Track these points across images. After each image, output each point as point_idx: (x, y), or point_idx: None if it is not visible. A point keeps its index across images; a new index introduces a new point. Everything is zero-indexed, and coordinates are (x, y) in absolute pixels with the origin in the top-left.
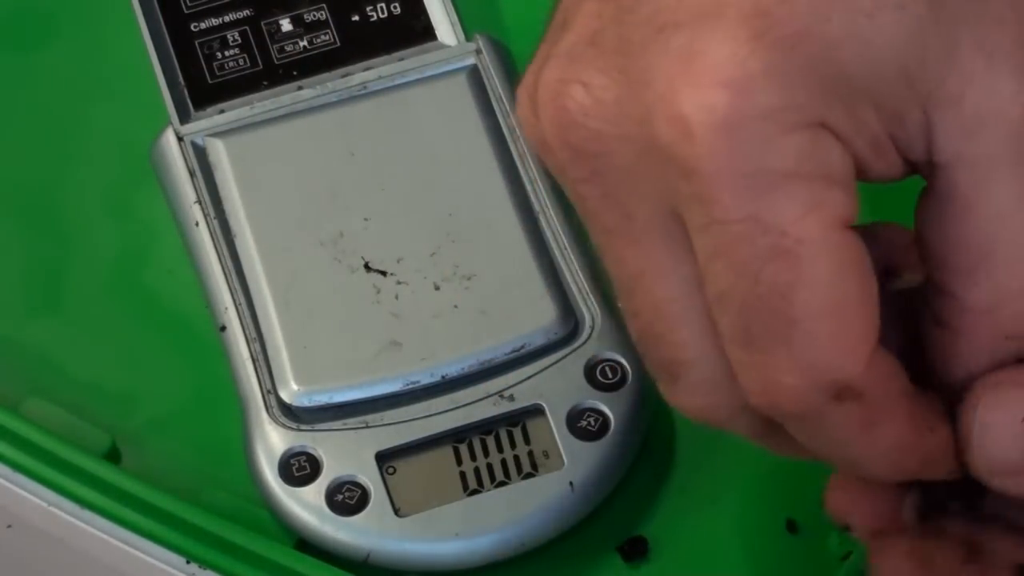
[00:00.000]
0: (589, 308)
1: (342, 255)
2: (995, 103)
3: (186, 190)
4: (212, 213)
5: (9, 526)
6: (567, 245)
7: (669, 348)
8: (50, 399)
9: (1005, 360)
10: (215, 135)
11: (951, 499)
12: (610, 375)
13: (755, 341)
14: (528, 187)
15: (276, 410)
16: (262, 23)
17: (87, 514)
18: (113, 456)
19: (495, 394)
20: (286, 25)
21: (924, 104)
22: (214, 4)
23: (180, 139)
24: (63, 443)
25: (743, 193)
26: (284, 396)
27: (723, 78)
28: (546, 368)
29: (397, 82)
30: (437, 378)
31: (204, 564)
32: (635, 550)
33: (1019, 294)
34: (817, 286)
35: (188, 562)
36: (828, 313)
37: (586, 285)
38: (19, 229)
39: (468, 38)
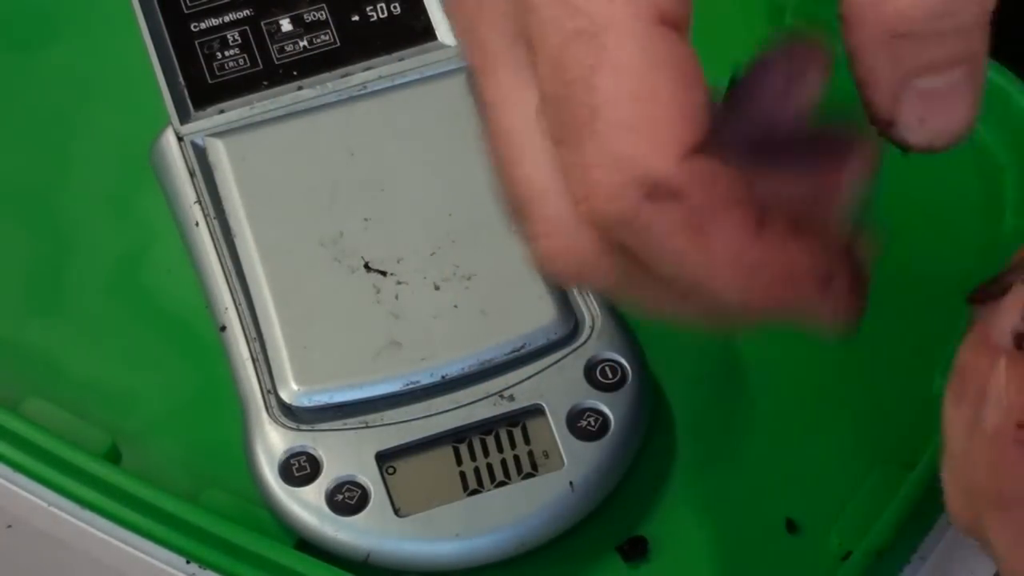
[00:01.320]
0: (589, 308)
1: (342, 255)
2: None
3: (186, 190)
4: (212, 213)
5: (9, 526)
6: None
7: (518, 184)
8: (50, 399)
9: (903, 63)
10: (215, 135)
11: None
12: (610, 375)
13: (567, 135)
14: None
15: (276, 410)
16: (262, 23)
17: (87, 514)
18: (113, 456)
19: (495, 394)
20: (286, 25)
21: None
22: (214, 4)
23: (180, 139)
24: (63, 443)
25: None
26: (284, 396)
27: None
28: (546, 368)
29: (397, 82)
30: (437, 378)
31: (204, 564)
32: (635, 550)
33: None
34: (620, 72)
35: (188, 562)
36: (631, 100)
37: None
38: (19, 229)
39: None
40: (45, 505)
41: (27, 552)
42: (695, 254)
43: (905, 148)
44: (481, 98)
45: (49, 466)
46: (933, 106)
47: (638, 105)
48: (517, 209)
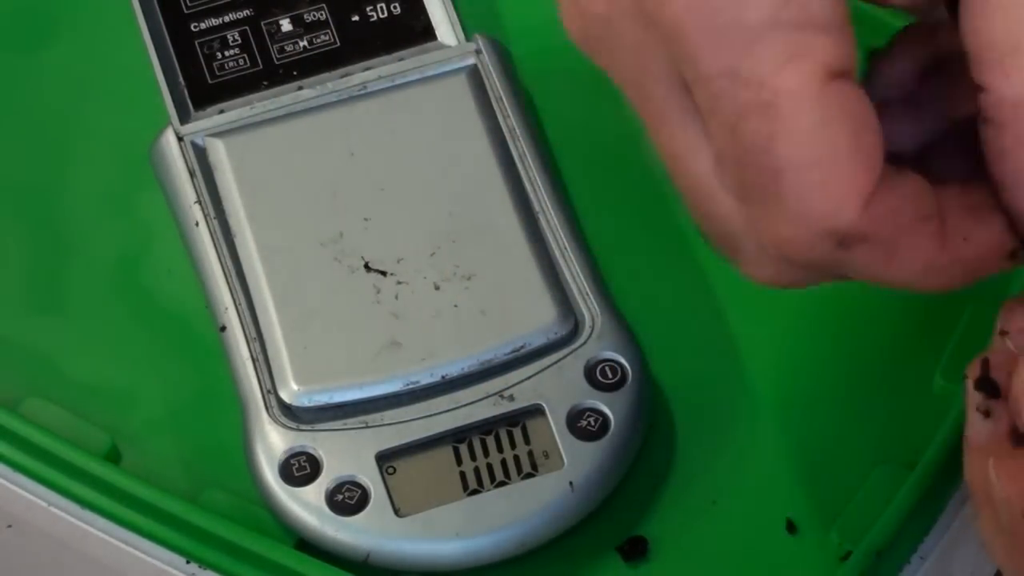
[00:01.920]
0: (589, 308)
1: (342, 255)
2: None
3: (186, 190)
4: (212, 213)
5: (9, 526)
6: (567, 245)
7: (718, 223)
8: (50, 399)
9: None
10: (215, 135)
11: None
12: (610, 375)
13: (750, 195)
14: (528, 187)
15: (276, 410)
16: (262, 23)
17: (87, 514)
18: (113, 456)
19: (495, 394)
20: (286, 25)
21: None
22: (214, 4)
23: (180, 139)
24: (63, 443)
25: (720, 47)
26: (284, 396)
27: None
28: (546, 368)
29: (397, 82)
30: (437, 378)
31: (204, 564)
32: (635, 550)
33: None
34: (798, 138)
35: (188, 562)
36: (812, 165)
37: (586, 285)
38: (19, 229)
39: (468, 38)
40: (45, 505)
41: (27, 552)
42: (891, 274)
43: None
44: (658, 148)
45: (49, 466)
46: None
47: (820, 169)
48: (718, 241)
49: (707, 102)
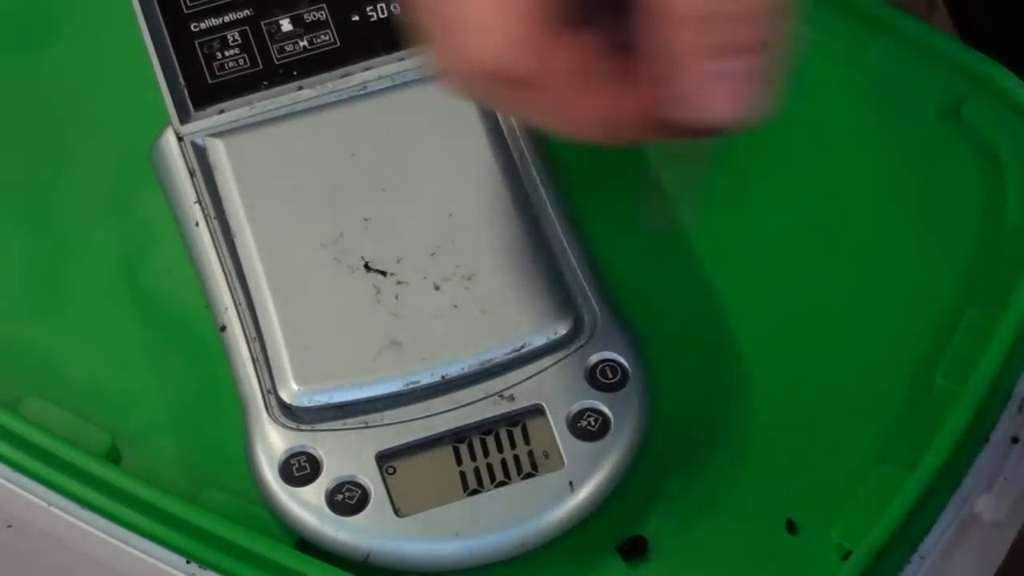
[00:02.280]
0: (589, 308)
1: (342, 255)
2: None
3: (186, 190)
4: (212, 213)
5: (9, 526)
6: (567, 245)
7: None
8: (50, 399)
9: (705, 48)
10: (215, 135)
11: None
12: (610, 375)
13: (428, 30)
14: (528, 187)
15: (276, 410)
16: (262, 23)
17: (87, 514)
18: (113, 456)
19: (495, 394)
20: (286, 25)
21: None
22: (214, 4)
23: (180, 139)
24: (63, 443)
25: None
26: (284, 396)
27: None
28: (546, 368)
29: (397, 82)
30: (437, 378)
31: (204, 564)
32: (635, 550)
33: None
34: None
35: (188, 562)
36: (487, 6)
37: (586, 285)
38: (19, 229)
39: None
40: (45, 505)
41: (27, 552)
42: (551, 115)
43: (707, 130)
44: None
45: (49, 466)
46: (731, 88)
47: (492, 6)
48: (429, 35)
49: None
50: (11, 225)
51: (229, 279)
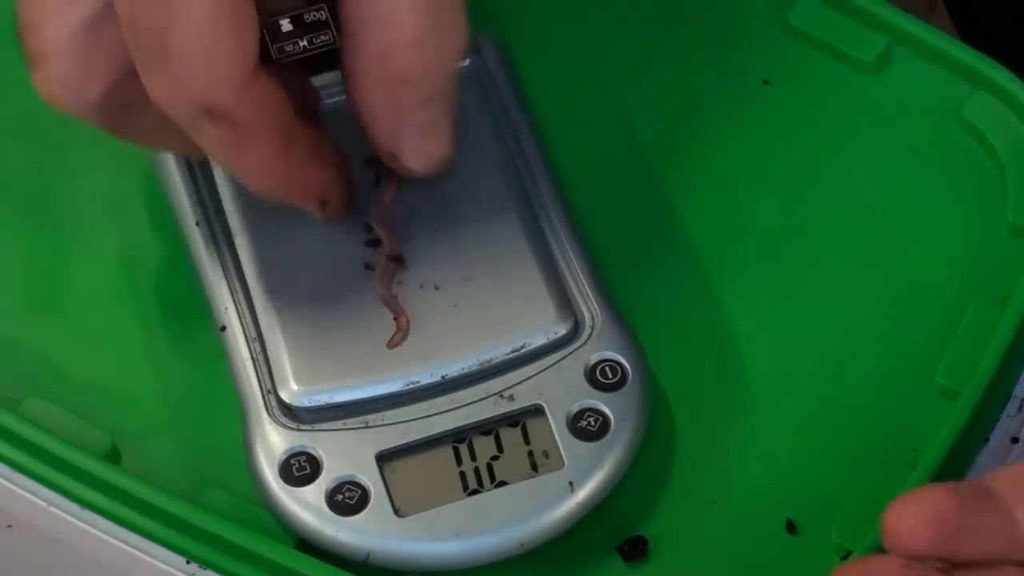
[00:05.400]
0: (589, 308)
1: (342, 255)
2: None
3: (186, 190)
4: (212, 213)
5: (9, 526)
6: (567, 245)
7: (35, 39)
8: (50, 399)
9: (402, 104)
10: None
11: None
12: (610, 375)
13: (142, 63)
14: (528, 187)
15: (276, 410)
16: (262, 23)
17: (87, 514)
18: (113, 456)
19: (495, 394)
20: (286, 25)
21: None
22: None
23: None
24: (63, 443)
25: None
26: (284, 396)
27: None
28: (546, 368)
29: None
30: (437, 378)
31: (204, 564)
32: (635, 550)
33: (399, 46)
34: (188, 28)
35: (188, 562)
36: (196, 50)
37: (586, 285)
38: (19, 229)
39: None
40: (45, 505)
41: (27, 552)
42: (234, 160)
43: (411, 175)
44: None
45: (49, 466)
46: (425, 138)
47: (201, 54)
48: (32, 56)
49: None
50: (11, 225)
51: (229, 279)
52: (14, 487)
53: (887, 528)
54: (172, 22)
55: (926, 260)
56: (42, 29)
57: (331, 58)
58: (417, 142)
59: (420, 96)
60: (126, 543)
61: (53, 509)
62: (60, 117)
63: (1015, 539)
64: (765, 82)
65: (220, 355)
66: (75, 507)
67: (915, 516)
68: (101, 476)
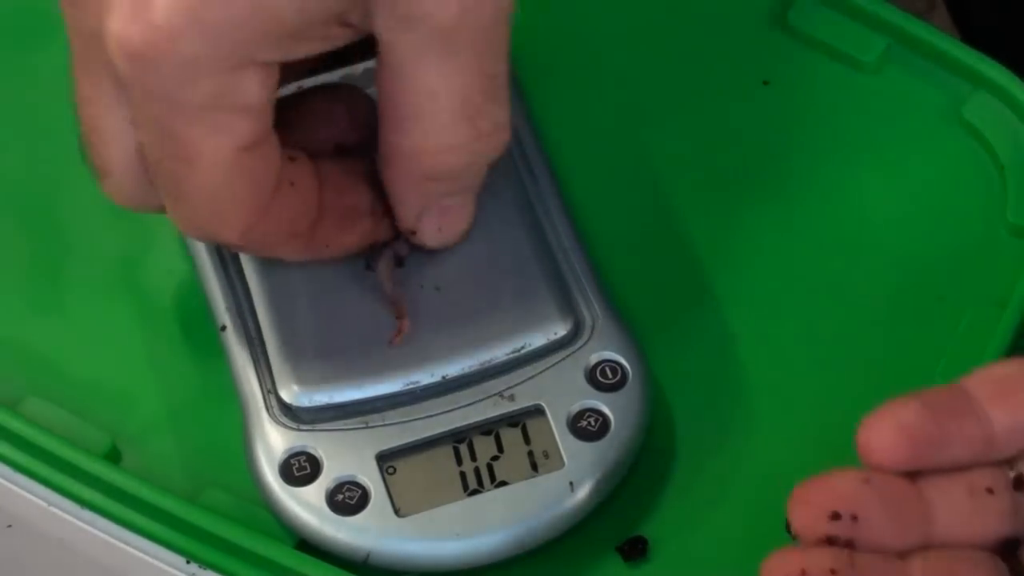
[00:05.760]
0: (589, 308)
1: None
2: (421, 7)
3: None
4: None
5: (9, 526)
6: (567, 245)
7: (98, 158)
8: (50, 399)
9: (430, 194)
10: None
11: None
12: (610, 375)
13: (165, 196)
14: (528, 187)
15: (276, 410)
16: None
17: (87, 514)
18: (113, 456)
19: (495, 394)
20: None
21: (365, 9)
22: None
23: None
24: (63, 443)
25: (160, 110)
26: (284, 396)
27: (150, 20)
28: (546, 368)
29: None
30: (437, 378)
31: (204, 564)
32: (635, 550)
33: (435, 150)
34: (203, 184)
35: (188, 562)
36: (209, 200)
37: (586, 285)
38: (19, 229)
39: None
40: (45, 505)
41: (27, 552)
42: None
43: (423, 248)
44: (80, 102)
45: (49, 466)
46: (447, 219)
47: (213, 206)
48: (96, 168)
49: (143, 128)
50: (11, 225)
51: (229, 279)
52: (14, 487)
53: (860, 444)
54: (189, 177)
55: (926, 260)
56: (103, 150)
57: (331, 58)
58: (438, 224)
59: (450, 190)
60: (126, 543)
61: (53, 509)
62: (60, 118)
63: (990, 442)
64: (765, 82)
65: (220, 355)
66: (75, 507)
67: (888, 431)
68: (101, 476)
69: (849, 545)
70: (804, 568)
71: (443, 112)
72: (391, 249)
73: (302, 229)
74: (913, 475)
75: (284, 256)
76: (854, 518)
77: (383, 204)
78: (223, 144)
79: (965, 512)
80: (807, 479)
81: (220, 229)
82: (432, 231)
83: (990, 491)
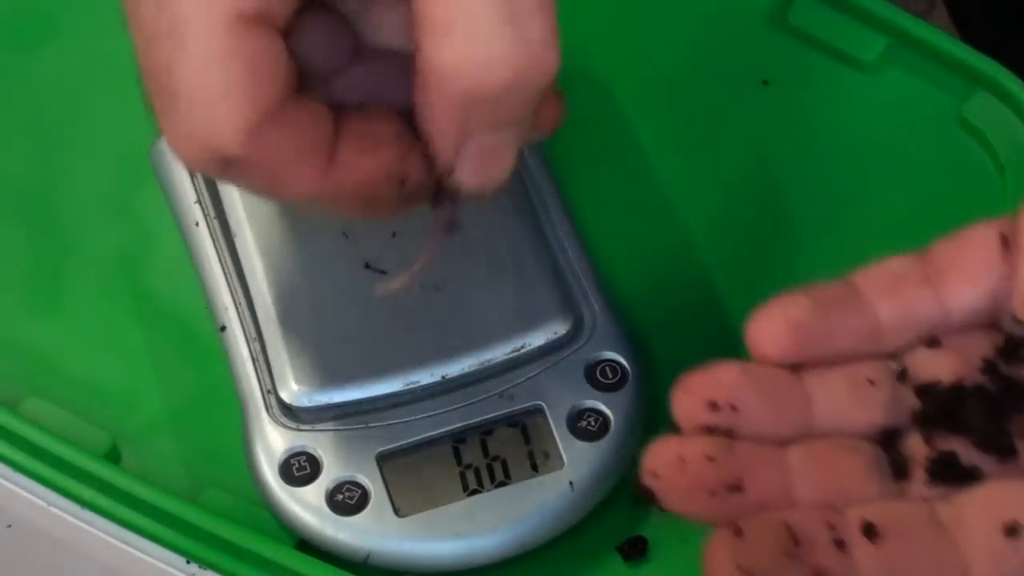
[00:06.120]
0: (589, 308)
1: (342, 255)
2: None
3: (186, 190)
4: (212, 213)
5: (9, 526)
6: (567, 245)
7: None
8: (50, 399)
9: (470, 124)
10: None
11: None
12: (610, 375)
13: (156, 104)
14: (528, 187)
15: (276, 410)
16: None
17: (87, 514)
18: (113, 456)
19: (495, 394)
20: None
21: None
22: None
23: None
24: (63, 443)
25: None
26: (284, 396)
27: None
28: (546, 368)
29: None
30: (437, 378)
31: (204, 564)
32: (635, 550)
33: (475, 64)
34: (195, 66)
35: (188, 562)
36: (203, 92)
37: (586, 285)
38: (19, 229)
39: None
40: (45, 505)
41: (27, 552)
42: (277, 194)
43: (458, 191)
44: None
45: (49, 466)
46: (488, 158)
47: (207, 96)
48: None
49: (130, 20)
50: (11, 225)
51: (229, 279)
52: (14, 487)
53: (748, 338)
54: (181, 59)
55: None
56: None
57: None
58: (477, 165)
59: (492, 121)
60: (126, 543)
61: (53, 509)
62: (60, 117)
63: (876, 335)
64: (765, 82)
65: (220, 355)
66: (75, 507)
67: (775, 325)
68: (101, 476)
69: (729, 434)
70: (681, 454)
71: (483, 11)
72: (448, 211)
73: (315, 146)
74: (797, 367)
75: (296, 190)
76: (733, 408)
77: (413, 135)
78: (214, 10)
79: (845, 402)
80: (690, 371)
81: (218, 131)
82: (471, 169)
83: (871, 383)
